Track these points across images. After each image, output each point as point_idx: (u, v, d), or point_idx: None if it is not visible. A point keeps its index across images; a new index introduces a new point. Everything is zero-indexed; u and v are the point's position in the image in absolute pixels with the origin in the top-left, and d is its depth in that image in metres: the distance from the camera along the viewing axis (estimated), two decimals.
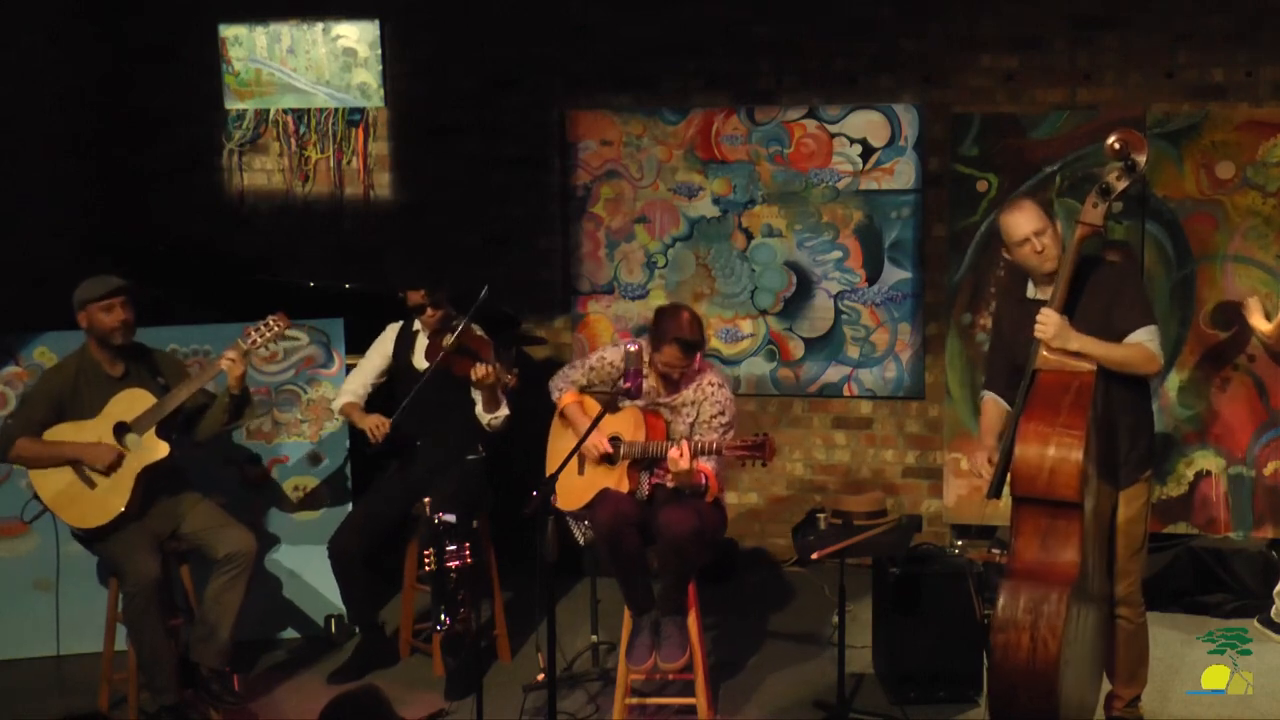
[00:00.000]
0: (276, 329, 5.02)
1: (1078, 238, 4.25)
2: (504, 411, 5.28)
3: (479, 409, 5.29)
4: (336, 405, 5.57)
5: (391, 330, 5.56)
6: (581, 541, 5.02)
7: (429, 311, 5.35)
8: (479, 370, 5.07)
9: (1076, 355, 4.21)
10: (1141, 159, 4.22)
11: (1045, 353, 4.24)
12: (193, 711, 4.92)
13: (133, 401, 4.90)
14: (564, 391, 5.07)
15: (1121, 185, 4.24)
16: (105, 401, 4.89)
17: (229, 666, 4.94)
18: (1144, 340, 4.24)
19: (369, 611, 5.49)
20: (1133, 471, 4.39)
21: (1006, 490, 4.29)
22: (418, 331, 5.47)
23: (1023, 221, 4.32)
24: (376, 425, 5.34)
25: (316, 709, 3.36)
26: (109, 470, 4.84)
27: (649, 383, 4.89)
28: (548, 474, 4.80)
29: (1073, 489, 4.07)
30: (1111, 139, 4.22)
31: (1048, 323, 4.22)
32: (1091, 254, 4.37)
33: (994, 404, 4.58)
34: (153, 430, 4.87)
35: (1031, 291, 4.43)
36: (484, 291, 5.13)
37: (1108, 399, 4.22)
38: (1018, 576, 4.10)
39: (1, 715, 5.13)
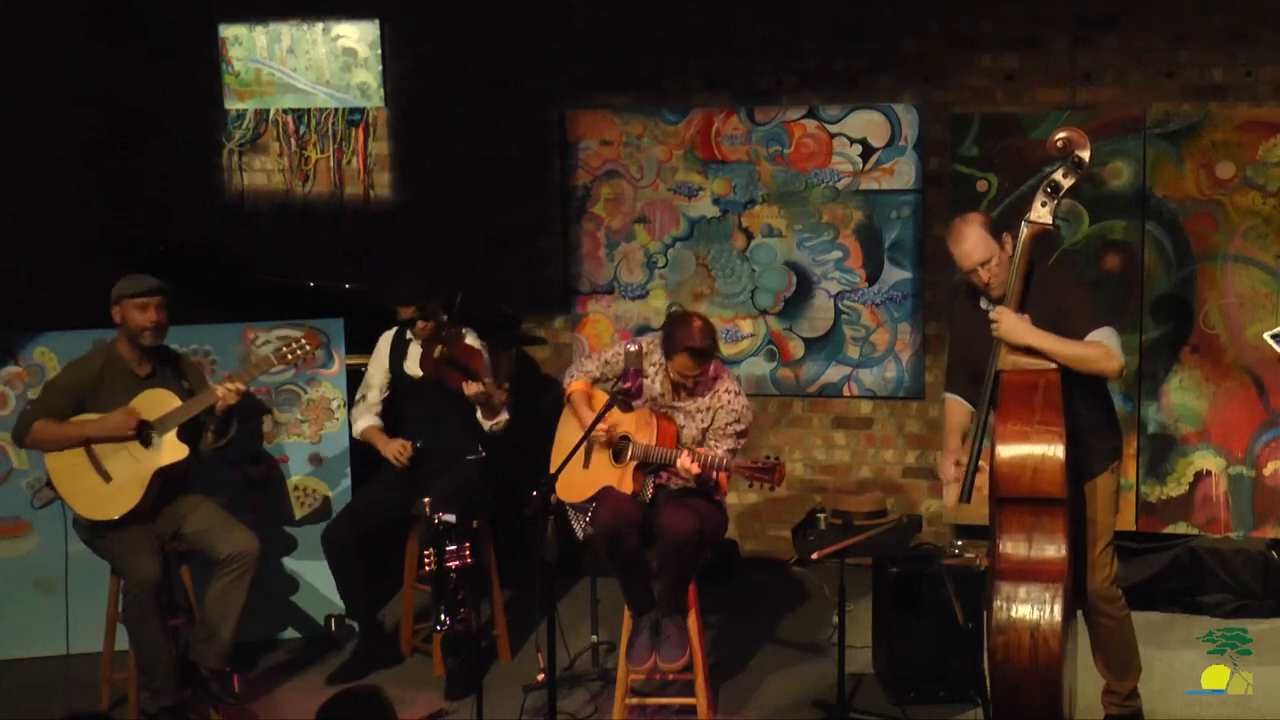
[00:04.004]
0: (309, 347, 5.04)
1: (1028, 236, 4.26)
2: (504, 417, 5.31)
3: (479, 415, 5.30)
4: (357, 429, 5.56)
5: (385, 340, 5.56)
6: (581, 536, 5.02)
7: (420, 324, 5.35)
8: (470, 388, 5.09)
9: (1036, 353, 4.21)
10: (1085, 155, 4.25)
11: (1006, 353, 4.24)
12: (193, 712, 4.91)
13: (157, 401, 4.89)
14: (575, 379, 5.07)
15: (1068, 183, 4.27)
16: (129, 399, 4.88)
17: (229, 667, 4.94)
18: (1102, 339, 4.23)
19: (367, 606, 5.47)
20: (1100, 464, 4.40)
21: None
22: (410, 340, 5.47)
23: (967, 254, 4.34)
24: (400, 452, 5.38)
25: (316, 709, 3.36)
26: (126, 436, 4.82)
27: (654, 385, 4.89)
28: (553, 466, 4.80)
29: (1057, 484, 4.09)
30: (1055, 137, 4.28)
31: (1003, 319, 4.23)
32: (1038, 262, 4.37)
33: (957, 405, 4.60)
34: (174, 432, 4.87)
35: (986, 304, 4.42)
36: (458, 298, 5.19)
37: (1070, 402, 4.21)
38: (1010, 577, 4.10)
39: (3, 715, 5.13)
